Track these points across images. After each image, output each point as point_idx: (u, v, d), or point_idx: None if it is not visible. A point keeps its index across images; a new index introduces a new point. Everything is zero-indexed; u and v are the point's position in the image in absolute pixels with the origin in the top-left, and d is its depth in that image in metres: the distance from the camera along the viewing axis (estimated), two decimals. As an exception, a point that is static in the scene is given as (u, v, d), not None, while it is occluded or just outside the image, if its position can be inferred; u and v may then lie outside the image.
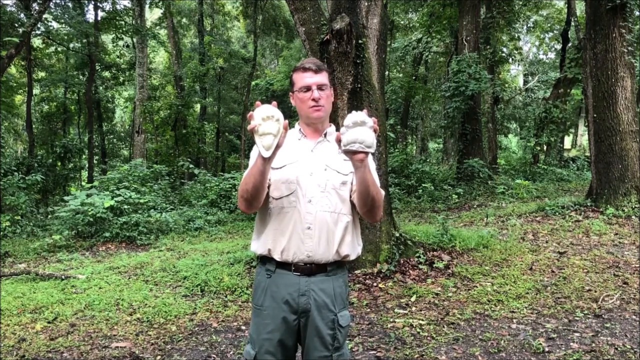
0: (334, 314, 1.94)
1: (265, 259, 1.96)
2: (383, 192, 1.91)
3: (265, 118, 1.69)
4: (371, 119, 1.70)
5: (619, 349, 3.44)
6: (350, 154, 1.72)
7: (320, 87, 1.92)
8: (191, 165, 14.28)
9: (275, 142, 1.70)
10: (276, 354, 1.92)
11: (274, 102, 1.75)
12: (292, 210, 1.88)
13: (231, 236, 8.74)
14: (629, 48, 7.43)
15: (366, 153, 1.71)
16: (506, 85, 22.06)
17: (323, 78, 1.95)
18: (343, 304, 1.99)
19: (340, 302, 1.97)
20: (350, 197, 1.93)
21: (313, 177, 1.90)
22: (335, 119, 5.00)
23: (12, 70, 19.02)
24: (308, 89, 1.92)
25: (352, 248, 1.97)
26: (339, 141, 1.71)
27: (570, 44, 16.97)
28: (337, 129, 1.91)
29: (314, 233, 1.88)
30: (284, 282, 1.91)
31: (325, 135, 1.99)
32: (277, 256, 1.91)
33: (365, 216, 1.91)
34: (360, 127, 1.68)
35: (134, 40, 18.11)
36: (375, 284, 4.99)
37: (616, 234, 6.48)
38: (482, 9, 14.84)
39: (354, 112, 1.70)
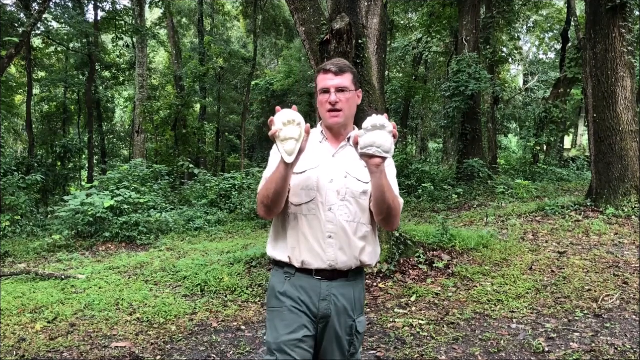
0: (352, 319, 1.90)
1: (283, 264, 1.90)
2: (402, 201, 1.86)
3: (286, 123, 1.66)
4: (391, 123, 1.65)
5: (618, 348, 3.44)
6: (366, 157, 1.68)
7: (340, 90, 1.85)
8: (191, 165, 14.28)
9: (298, 146, 1.66)
10: (295, 356, 1.86)
11: (294, 107, 1.71)
12: (313, 218, 1.83)
13: (231, 236, 8.74)
14: (629, 48, 7.43)
15: (383, 158, 1.67)
16: (506, 85, 22.05)
17: (344, 80, 1.86)
18: (361, 309, 1.95)
19: (359, 308, 1.93)
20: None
21: (333, 184, 1.84)
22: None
23: (12, 70, 19.03)
24: (327, 91, 1.85)
25: (373, 255, 1.93)
26: (356, 144, 1.68)
27: (570, 44, 16.97)
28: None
29: (335, 242, 1.83)
30: (304, 284, 1.86)
31: (348, 139, 1.91)
32: (297, 264, 1.85)
33: (382, 224, 1.87)
34: (379, 131, 1.64)
35: (134, 40, 18.12)
36: (375, 284, 4.99)
37: (616, 234, 6.48)
38: (482, 9, 14.84)
39: (374, 114, 1.67)
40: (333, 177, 1.84)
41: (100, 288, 5.27)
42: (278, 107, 1.69)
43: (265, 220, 1.86)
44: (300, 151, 1.67)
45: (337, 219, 1.82)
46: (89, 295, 4.96)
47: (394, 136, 1.66)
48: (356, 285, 1.92)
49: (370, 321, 4.15)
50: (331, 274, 1.85)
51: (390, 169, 1.86)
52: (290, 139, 1.65)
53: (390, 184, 1.78)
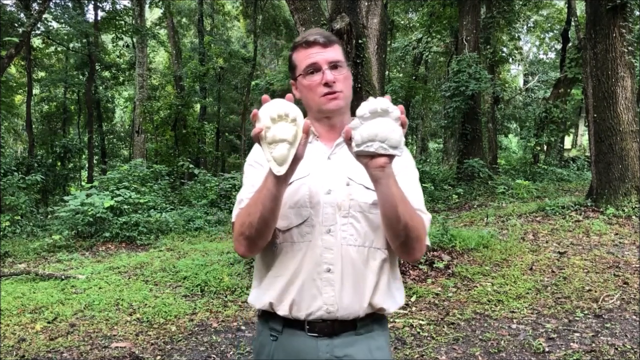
0: None
1: (267, 315, 1.40)
2: (428, 216, 1.35)
3: (276, 118, 1.18)
4: (397, 107, 1.17)
5: (619, 349, 3.44)
6: (365, 158, 1.19)
7: (333, 65, 1.37)
8: (191, 165, 14.29)
9: (292, 153, 1.17)
10: None
11: (289, 95, 1.24)
12: (305, 247, 1.32)
13: (231, 236, 8.73)
14: (629, 48, 7.43)
15: (390, 156, 1.18)
16: (506, 85, 22.06)
17: (336, 53, 1.39)
18: None
19: None
20: None
21: (332, 195, 1.33)
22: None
23: (12, 70, 19.03)
24: (317, 69, 1.37)
25: (390, 296, 1.37)
26: (349, 139, 1.19)
27: (570, 44, 16.97)
28: None
29: (335, 277, 1.30)
30: (295, 347, 1.35)
31: None
32: (283, 312, 1.34)
33: (399, 252, 1.32)
34: (382, 119, 1.17)
35: (134, 40, 18.13)
36: (375, 284, 4.99)
37: (616, 234, 6.47)
38: (482, 8, 14.85)
39: (371, 98, 1.19)
40: (331, 186, 1.34)
41: (100, 288, 5.27)
42: (265, 96, 1.22)
43: (247, 257, 1.38)
44: (296, 159, 1.19)
45: (338, 244, 1.31)
46: (89, 296, 4.96)
47: (403, 124, 1.18)
48: (373, 339, 1.36)
49: (370, 321, 4.14)
50: (330, 327, 1.32)
51: (407, 172, 1.36)
52: (281, 142, 1.17)
53: (405, 193, 1.25)
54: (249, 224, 1.26)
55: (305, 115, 1.27)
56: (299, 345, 1.33)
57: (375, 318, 1.37)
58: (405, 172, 1.37)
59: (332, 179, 1.35)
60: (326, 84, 1.35)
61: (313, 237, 1.32)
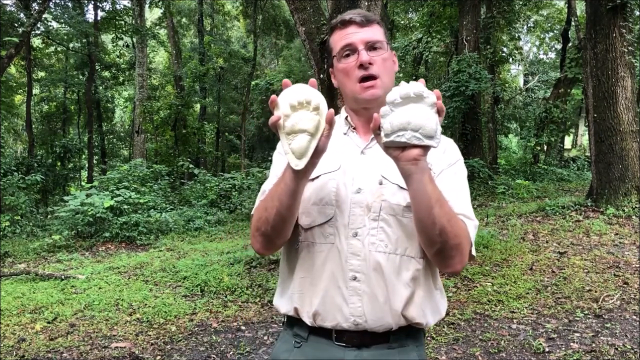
0: None
1: (292, 320, 1.28)
2: (471, 222, 1.19)
3: (296, 105, 1.04)
4: (433, 92, 1.02)
5: (619, 349, 3.44)
6: (396, 150, 1.04)
7: (371, 47, 1.23)
8: (191, 165, 14.30)
9: (313, 145, 1.05)
10: None
11: (312, 80, 1.09)
12: (327, 249, 1.20)
13: (231, 236, 8.74)
14: (629, 48, 7.42)
15: (424, 148, 1.03)
16: (506, 85, 22.04)
17: (374, 33, 1.24)
18: None
19: None
20: None
21: (362, 195, 1.20)
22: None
23: (12, 70, 19.03)
24: (353, 50, 1.22)
25: (428, 309, 1.23)
26: (377, 129, 1.05)
27: (570, 44, 16.98)
28: None
29: (363, 287, 1.18)
30: (319, 356, 1.23)
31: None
32: (307, 319, 1.22)
33: (435, 261, 1.17)
34: (415, 105, 1.02)
35: (134, 40, 18.13)
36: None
37: (616, 234, 6.47)
38: (482, 8, 14.85)
39: (402, 82, 1.04)
40: (361, 184, 1.21)
41: (100, 288, 5.27)
42: (286, 80, 1.08)
43: (264, 255, 1.31)
44: (318, 153, 1.06)
45: (365, 250, 1.18)
46: (88, 296, 4.96)
47: (440, 112, 1.02)
48: (406, 354, 1.23)
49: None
50: (360, 338, 1.20)
51: (451, 171, 1.23)
52: (301, 132, 1.04)
53: (447, 194, 1.12)
54: (265, 220, 1.15)
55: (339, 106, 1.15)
56: (325, 354, 1.22)
57: (411, 332, 1.24)
58: (450, 170, 1.23)
59: (363, 176, 1.21)
60: (361, 66, 1.21)
61: (337, 240, 1.19)
